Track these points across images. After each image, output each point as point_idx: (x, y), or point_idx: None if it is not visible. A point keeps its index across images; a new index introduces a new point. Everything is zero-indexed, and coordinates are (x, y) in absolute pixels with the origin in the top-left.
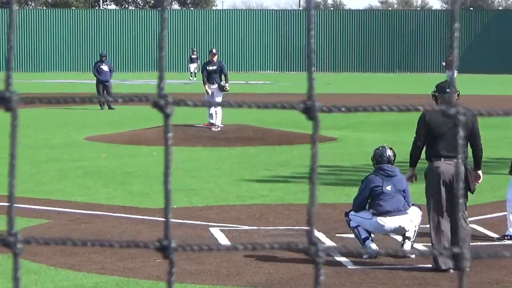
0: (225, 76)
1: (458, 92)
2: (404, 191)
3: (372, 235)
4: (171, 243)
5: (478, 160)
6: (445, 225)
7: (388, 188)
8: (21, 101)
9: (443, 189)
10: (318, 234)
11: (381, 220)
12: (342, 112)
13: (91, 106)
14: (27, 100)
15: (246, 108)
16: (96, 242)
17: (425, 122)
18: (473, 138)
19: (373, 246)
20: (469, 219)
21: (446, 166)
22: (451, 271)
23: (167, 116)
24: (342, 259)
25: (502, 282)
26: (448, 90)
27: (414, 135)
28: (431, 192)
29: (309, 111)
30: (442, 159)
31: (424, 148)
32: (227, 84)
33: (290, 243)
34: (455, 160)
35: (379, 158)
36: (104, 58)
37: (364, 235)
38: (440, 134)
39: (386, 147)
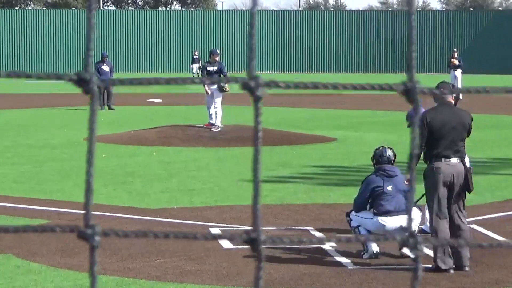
0: (225, 76)
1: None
2: (404, 191)
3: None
4: (260, 235)
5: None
6: (445, 224)
7: (389, 188)
8: (100, 82)
9: (443, 189)
10: (318, 234)
11: (382, 220)
12: (444, 94)
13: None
14: (109, 82)
15: (341, 89)
16: (180, 234)
17: (427, 123)
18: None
19: (374, 246)
20: (469, 219)
21: (446, 167)
22: (451, 271)
23: (257, 99)
24: (342, 259)
25: (502, 282)
26: (446, 91)
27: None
28: (432, 193)
29: (409, 93)
30: (443, 159)
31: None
32: (226, 85)
33: (386, 235)
34: (453, 160)
35: (379, 158)
36: (106, 58)
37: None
38: (441, 135)
39: (386, 147)
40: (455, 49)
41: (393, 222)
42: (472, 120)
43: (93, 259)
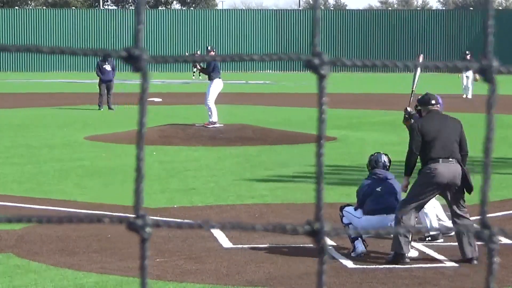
0: (207, 67)
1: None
2: (396, 194)
3: (364, 236)
4: (323, 227)
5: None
6: (412, 219)
7: (378, 189)
8: (152, 59)
9: (434, 191)
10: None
11: (369, 218)
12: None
13: (90, 106)
14: (159, 59)
15: (412, 67)
16: (236, 225)
17: (419, 129)
18: (462, 143)
19: (361, 246)
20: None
21: (443, 167)
22: (475, 262)
23: (322, 78)
24: (342, 258)
25: (502, 282)
26: (433, 102)
27: (410, 145)
28: (419, 189)
29: (485, 72)
30: (440, 160)
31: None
32: (198, 66)
33: (459, 226)
34: (450, 161)
35: (374, 164)
36: (108, 57)
37: (354, 234)
38: (434, 137)
39: (381, 153)
40: (467, 52)
41: (379, 221)
42: (462, 126)
43: (143, 252)
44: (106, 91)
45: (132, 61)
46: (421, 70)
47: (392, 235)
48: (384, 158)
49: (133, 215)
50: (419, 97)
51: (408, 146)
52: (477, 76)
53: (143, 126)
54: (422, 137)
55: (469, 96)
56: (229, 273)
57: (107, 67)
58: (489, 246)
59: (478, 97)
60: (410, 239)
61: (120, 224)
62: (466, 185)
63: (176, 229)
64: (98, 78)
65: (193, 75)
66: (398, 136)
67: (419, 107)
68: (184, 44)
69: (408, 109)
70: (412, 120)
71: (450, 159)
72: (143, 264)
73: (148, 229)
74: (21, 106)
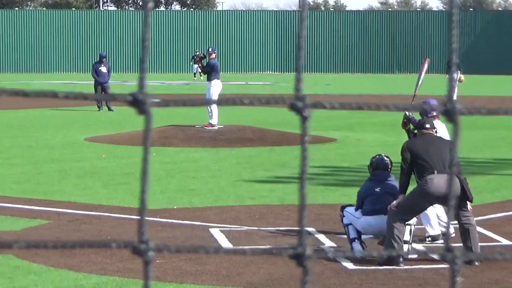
0: (206, 65)
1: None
2: (395, 194)
3: (363, 237)
4: (306, 250)
5: None
6: (402, 227)
7: (377, 189)
8: (155, 104)
9: (432, 202)
10: (318, 235)
11: (367, 219)
12: (482, 115)
13: (90, 107)
14: (162, 103)
15: (383, 110)
16: (230, 251)
17: (407, 149)
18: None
19: (358, 248)
20: None
21: (438, 177)
22: (476, 263)
23: (304, 119)
24: (342, 259)
25: (502, 282)
26: (427, 126)
27: (401, 165)
28: (411, 199)
29: (449, 114)
30: (436, 171)
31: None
32: (199, 64)
33: (427, 250)
34: (445, 173)
35: (375, 165)
36: (104, 59)
37: (352, 235)
38: (426, 154)
39: (383, 155)
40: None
41: (378, 222)
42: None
43: (147, 274)
44: (102, 92)
45: (137, 104)
46: (427, 71)
47: (386, 235)
48: (385, 160)
49: (138, 240)
50: (416, 120)
51: (401, 167)
52: (462, 78)
53: (147, 162)
54: (412, 154)
55: (454, 97)
56: (229, 274)
57: (103, 68)
58: (453, 267)
59: (461, 98)
60: (410, 240)
61: (126, 249)
62: (465, 196)
63: (178, 228)
64: (94, 79)
65: (195, 77)
66: (398, 137)
67: (415, 131)
68: (184, 45)
69: (407, 113)
70: (411, 125)
71: (446, 172)
72: (147, 285)
73: (150, 253)
74: (21, 107)
